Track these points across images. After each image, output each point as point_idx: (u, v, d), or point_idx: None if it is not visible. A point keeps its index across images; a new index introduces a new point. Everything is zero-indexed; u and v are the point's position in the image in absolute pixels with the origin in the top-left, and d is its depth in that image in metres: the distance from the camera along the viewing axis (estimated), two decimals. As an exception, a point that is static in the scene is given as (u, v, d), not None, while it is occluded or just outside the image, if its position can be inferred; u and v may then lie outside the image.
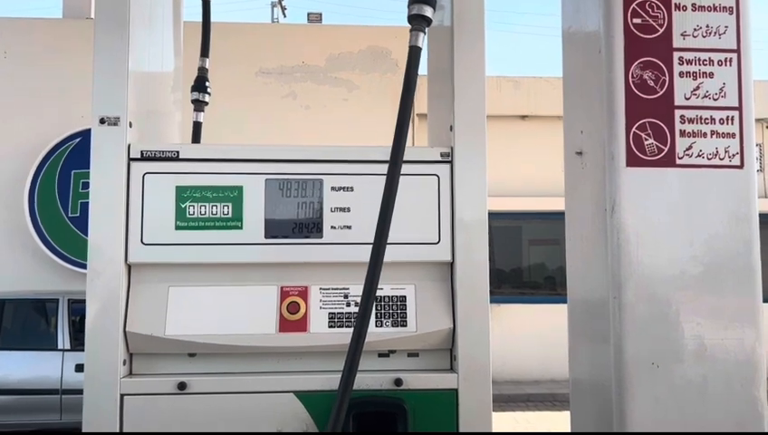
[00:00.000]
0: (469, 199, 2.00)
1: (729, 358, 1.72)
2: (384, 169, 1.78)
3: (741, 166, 1.78)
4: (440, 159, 2.02)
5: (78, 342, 7.05)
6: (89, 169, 1.93)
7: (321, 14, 13.21)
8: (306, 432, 1.87)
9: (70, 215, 9.11)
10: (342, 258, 1.97)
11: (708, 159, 1.77)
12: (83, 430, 1.85)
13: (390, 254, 1.79)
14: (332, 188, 1.99)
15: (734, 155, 1.78)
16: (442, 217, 1.99)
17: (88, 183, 1.93)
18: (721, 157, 1.78)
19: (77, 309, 7.25)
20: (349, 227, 1.98)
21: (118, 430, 1.84)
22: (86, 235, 1.92)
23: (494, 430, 1.95)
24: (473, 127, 2.02)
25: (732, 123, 1.79)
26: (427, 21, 1.84)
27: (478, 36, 2.06)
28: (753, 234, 1.77)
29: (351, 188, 1.99)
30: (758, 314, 1.75)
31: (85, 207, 7.98)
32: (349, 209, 1.98)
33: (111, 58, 1.95)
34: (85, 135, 8.70)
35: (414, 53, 1.81)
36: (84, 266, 1.95)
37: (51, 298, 7.49)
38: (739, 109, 1.79)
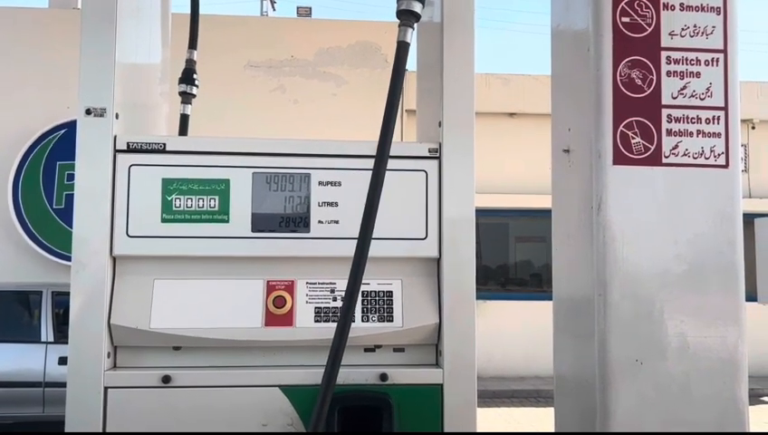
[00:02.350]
0: (457, 196, 2.00)
1: (712, 356, 1.74)
2: (372, 163, 1.78)
3: (726, 165, 1.79)
4: (428, 154, 2.02)
5: (61, 334, 7.00)
6: (74, 160, 1.91)
7: (310, 8, 13.17)
8: (290, 433, 1.86)
9: (54, 206, 9.04)
10: (329, 253, 1.96)
11: (694, 158, 1.79)
12: (66, 424, 1.83)
13: (377, 249, 1.79)
14: (320, 183, 1.99)
15: (719, 155, 1.79)
16: (429, 213, 2.00)
17: (73, 175, 1.92)
18: (706, 156, 1.79)
19: (61, 301, 7.20)
20: (336, 222, 1.97)
21: (101, 422, 1.83)
22: (71, 227, 1.90)
23: (477, 426, 1.96)
24: (461, 123, 2.02)
25: (718, 123, 1.80)
26: (416, 16, 1.84)
27: (468, 33, 2.06)
28: (736, 233, 1.79)
29: (339, 183, 1.99)
30: (741, 312, 1.77)
31: (70, 198, 7.90)
32: (336, 204, 1.98)
33: (98, 49, 1.94)
34: (71, 126, 8.62)
35: (402, 48, 1.81)
36: (69, 259, 1.93)
37: (34, 290, 7.43)
38: (725, 109, 1.81)
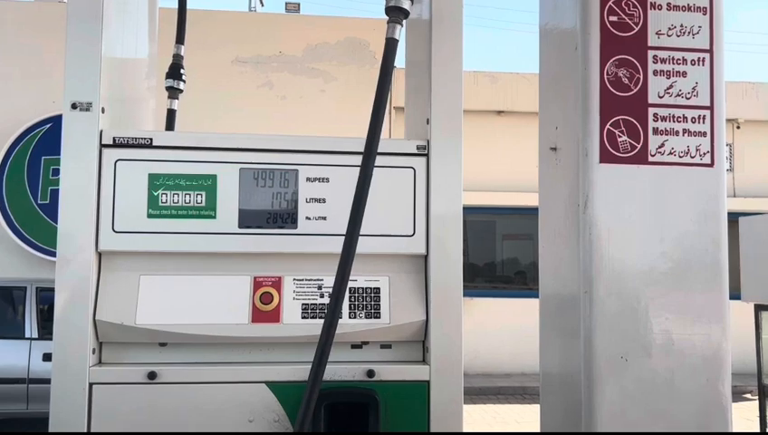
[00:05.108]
0: (444, 193, 2.00)
1: (696, 353, 1.76)
2: (360, 160, 1.78)
3: (711, 164, 1.81)
4: (416, 151, 2.02)
5: (46, 331, 6.95)
6: (59, 155, 1.89)
7: (298, 4, 13.10)
8: (277, 433, 1.86)
9: (39, 202, 8.96)
10: (317, 249, 1.96)
11: (680, 156, 1.80)
12: (51, 420, 1.82)
13: (365, 245, 1.79)
14: (308, 179, 1.98)
15: (704, 153, 1.81)
16: (417, 210, 2.00)
17: (58, 170, 1.90)
18: (692, 155, 1.80)
19: (45, 297, 7.14)
20: (324, 218, 1.97)
21: (86, 418, 1.81)
22: (56, 222, 1.89)
23: (464, 422, 1.97)
24: (449, 121, 2.03)
25: (703, 122, 1.81)
26: (405, 13, 1.84)
27: (456, 30, 2.06)
28: (721, 232, 1.80)
29: (327, 179, 1.99)
30: (725, 310, 1.79)
31: (55, 193, 7.85)
32: (324, 200, 1.98)
33: (85, 42, 1.92)
34: (56, 120, 8.55)
35: (390, 44, 1.81)
36: (53, 254, 1.92)
37: (19, 286, 7.37)
38: (711, 108, 1.82)
